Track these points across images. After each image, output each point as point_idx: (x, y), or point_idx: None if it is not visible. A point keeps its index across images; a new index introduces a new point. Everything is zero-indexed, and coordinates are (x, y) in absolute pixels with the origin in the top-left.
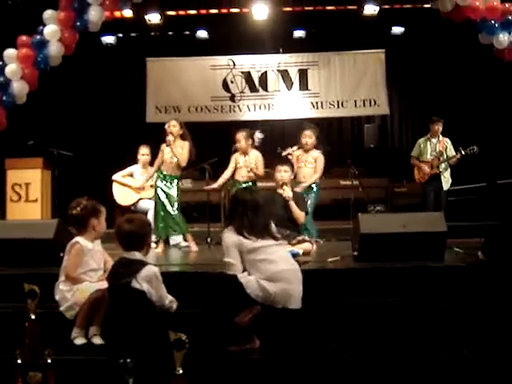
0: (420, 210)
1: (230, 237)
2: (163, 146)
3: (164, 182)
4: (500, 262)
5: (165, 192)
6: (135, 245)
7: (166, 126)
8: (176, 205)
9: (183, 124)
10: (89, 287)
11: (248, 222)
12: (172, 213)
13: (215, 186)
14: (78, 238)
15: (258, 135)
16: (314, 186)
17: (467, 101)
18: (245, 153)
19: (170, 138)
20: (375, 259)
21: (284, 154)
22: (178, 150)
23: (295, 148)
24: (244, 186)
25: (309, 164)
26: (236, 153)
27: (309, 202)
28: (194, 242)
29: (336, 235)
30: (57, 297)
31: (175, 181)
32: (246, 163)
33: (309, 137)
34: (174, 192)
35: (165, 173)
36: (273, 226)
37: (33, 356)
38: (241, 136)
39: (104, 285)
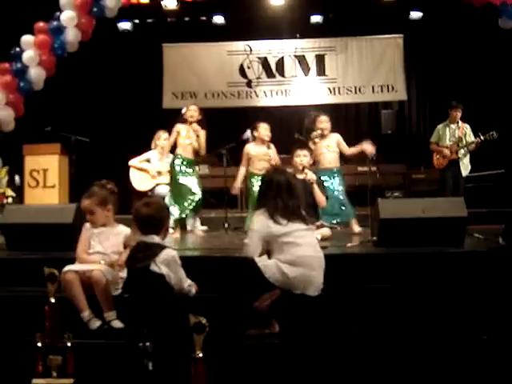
0: (438, 197)
1: (259, 221)
2: (179, 126)
3: (183, 166)
4: None
5: (184, 174)
6: (153, 228)
7: (185, 111)
8: (197, 184)
9: (202, 111)
10: (65, 268)
11: (282, 203)
12: (193, 190)
13: (236, 188)
14: (87, 223)
15: (248, 134)
16: (334, 169)
17: (486, 86)
18: (267, 144)
19: (195, 126)
20: (394, 244)
21: (313, 137)
22: (195, 136)
23: (319, 132)
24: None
25: (331, 148)
26: (247, 144)
27: (337, 186)
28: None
29: None
30: None
31: (192, 165)
32: (263, 155)
33: (326, 122)
34: (193, 174)
35: (184, 156)
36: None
37: (53, 339)
38: (268, 126)
39: (81, 267)
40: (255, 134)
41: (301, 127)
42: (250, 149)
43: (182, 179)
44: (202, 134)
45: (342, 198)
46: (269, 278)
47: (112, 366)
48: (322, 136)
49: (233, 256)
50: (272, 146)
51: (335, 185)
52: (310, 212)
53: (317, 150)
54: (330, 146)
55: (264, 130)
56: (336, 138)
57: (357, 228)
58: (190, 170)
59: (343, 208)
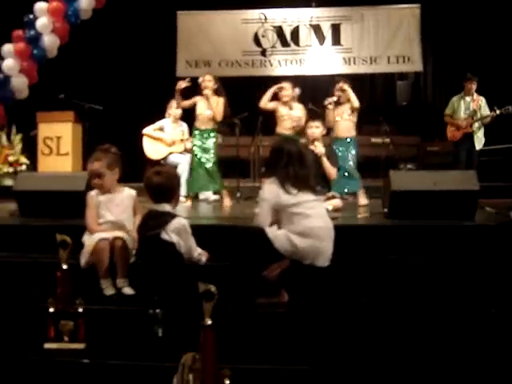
0: (451, 169)
1: (269, 189)
2: (197, 98)
3: (200, 138)
4: None
5: (202, 148)
6: (164, 197)
7: (201, 80)
8: (213, 158)
9: (218, 79)
10: (98, 235)
11: (293, 172)
12: (208, 166)
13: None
14: (91, 191)
15: (297, 91)
16: (348, 139)
17: (503, 59)
18: (289, 105)
19: (207, 91)
20: (405, 217)
21: (326, 103)
22: (212, 105)
23: (335, 98)
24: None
25: (345, 116)
26: (277, 101)
27: (349, 157)
28: (228, 198)
29: (367, 193)
30: (83, 243)
31: (212, 134)
32: (290, 116)
33: (342, 89)
34: (211, 145)
35: (202, 128)
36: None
37: (64, 305)
38: (288, 85)
39: (109, 235)
40: (284, 92)
41: (315, 97)
42: (280, 109)
43: (199, 153)
44: (220, 100)
45: (351, 169)
46: (278, 248)
47: (123, 332)
48: (337, 103)
49: (243, 226)
50: (299, 106)
51: (347, 155)
52: (321, 183)
53: (330, 117)
54: (345, 113)
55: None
56: (349, 105)
57: (363, 200)
58: (209, 142)
59: (351, 179)
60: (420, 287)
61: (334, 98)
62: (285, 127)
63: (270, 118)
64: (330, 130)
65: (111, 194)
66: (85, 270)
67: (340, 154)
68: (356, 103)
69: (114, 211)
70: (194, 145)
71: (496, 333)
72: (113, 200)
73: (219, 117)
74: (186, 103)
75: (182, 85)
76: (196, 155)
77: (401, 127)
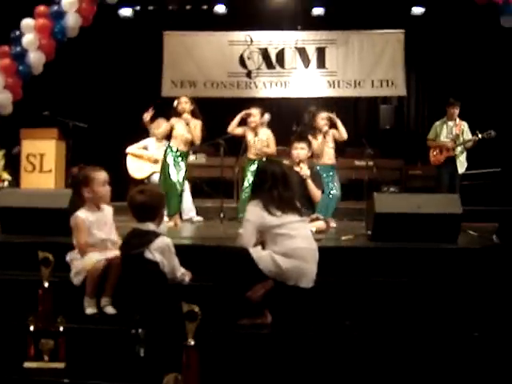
0: (434, 193)
1: (253, 211)
2: (173, 120)
3: (174, 157)
4: None
5: (175, 167)
6: (148, 215)
7: (177, 103)
8: (182, 180)
9: (194, 100)
10: (95, 256)
11: (278, 194)
12: (177, 187)
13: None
14: (78, 212)
15: (266, 117)
16: (333, 165)
17: (486, 84)
18: (256, 131)
19: (186, 115)
20: (389, 239)
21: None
22: (191, 127)
23: (326, 128)
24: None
25: (330, 144)
26: (246, 127)
27: (332, 183)
28: (179, 221)
29: (349, 215)
30: (68, 263)
31: (184, 156)
32: (257, 141)
33: (322, 119)
34: (182, 167)
35: (178, 148)
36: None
37: (45, 323)
38: (257, 112)
39: (111, 254)
40: (251, 119)
41: (299, 119)
42: (248, 135)
43: (171, 171)
44: (198, 123)
45: (331, 196)
46: (262, 268)
47: (104, 351)
48: (321, 132)
49: (227, 246)
50: (266, 131)
51: (331, 182)
52: (306, 205)
53: (316, 145)
54: (329, 142)
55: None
56: (331, 133)
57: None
58: (182, 163)
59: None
60: (404, 310)
61: (320, 128)
62: (252, 153)
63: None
64: (313, 155)
65: (99, 211)
66: (66, 288)
67: (325, 179)
68: (345, 135)
69: (105, 229)
70: (167, 163)
71: (478, 356)
72: (102, 218)
73: (198, 140)
74: (162, 131)
75: (147, 117)
76: (168, 173)
77: (384, 150)
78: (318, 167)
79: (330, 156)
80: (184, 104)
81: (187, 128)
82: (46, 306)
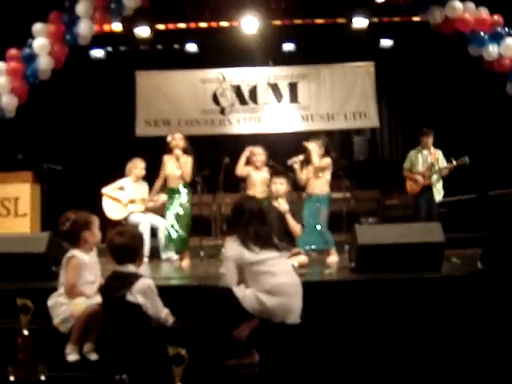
0: (412, 222)
1: (231, 248)
2: (165, 158)
3: (173, 197)
4: (499, 271)
5: (171, 206)
6: (128, 257)
7: (171, 139)
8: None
9: (187, 138)
10: (84, 301)
11: (254, 231)
12: (176, 227)
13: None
14: (74, 252)
15: (227, 160)
16: (320, 195)
17: (457, 112)
18: (259, 169)
19: (178, 151)
20: (373, 270)
21: (290, 162)
22: (182, 164)
23: (301, 157)
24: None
25: (318, 174)
26: (248, 166)
27: (319, 214)
28: (188, 257)
29: None
30: (51, 309)
31: (182, 191)
32: (263, 180)
33: (305, 149)
34: (185, 201)
35: (173, 186)
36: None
37: (26, 373)
38: (262, 150)
39: (97, 299)
40: (258, 157)
41: (275, 154)
42: (252, 174)
43: (173, 212)
44: (188, 160)
45: (320, 226)
46: (247, 307)
47: None
48: (309, 162)
49: (210, 285)
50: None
51: (317, 212)
52: (286, 239)
53: (300, 175)
54: (317, 173)
55: (253, 154)
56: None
57: (334, 258)
58: (186, 199)
59: (322, 236)
60: (391, 341)
61: (300, 157)
62: (257, 191)
63: (231, 175)
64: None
65: (91, 253)
66: (46, 335)
67: (310, 210)
68: (316, 162)
69: (94, 271)
70: (170, 205)
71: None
72: (93, 260)
73: (188, 178)
74: (162, 176)
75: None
76: (167, 212)
77: (360, 182)
78: (306, 200)
79: (316, 186)
80: (179, 140)
81: (177, 164)
82: (26, 355)
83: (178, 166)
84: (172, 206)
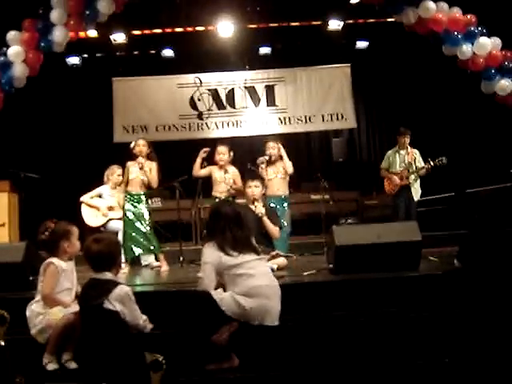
0: (391, 222)
1: (209, 253)
2: (129, 164)
3: (132, 202)
4: (475, 268)
5: (133, 212)
6: (105, 265)
7: (134, 145)
8: (147, 222)
9: (150, 143)
10: (61, 310)
11: (231, 235)
12: (143, 230)
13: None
14: (52, 259)
15: (205, 164)
16: (282, 196)
17: (434, 112)
18: (224, 168)
19: (141, 159)
20: (351, 271)
21: (258, 162)
22: (146, 170)
23: (267, 157)
24: None
25: (279, 174)
26: (211, 166)
27: (282, 215)
28: (165, 262)
29: (308, 249)
30: (28, 319)
31: (143, 198)
32: (224, 179)
33: (272, 148)
34: (143, 210)
35: (133, 192)
36: (253, 239)
37: None
38: (225, 149)
39: (76, 308)
40: (219, 157)
41: (253, 158)
42: (214, 172)
43: (131, 217)
44: (154, 166)
45: (285, 229)
46: (225, 310)
47: None
48: (270, 162)
49: (188, 290)
50: (233, 168)
51: (282, 213)
52: (265, 242)
53: (265, 175)
54: (279, 172)
55: (217, 153)
56: (282, 164)
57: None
58: (141, 206)
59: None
60: (371, 341)
61: (266, 157)
62: (219, 191)
63: (210, 180)
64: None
65: (69, 262)
66: (24, 345)
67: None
68: (290, 170)
69: (71, 279)
70: (127, 209)
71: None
72: (70, 268)
73: (155, 183)
74: (125, 179)
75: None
76: (129, 219)
77: (339, 183)
78: (269, 200)
79: (279, 186)
80: (142, 146)
81: (141, 171)
82: (3, 366)
83: (141, 172)
84: (134, 210)
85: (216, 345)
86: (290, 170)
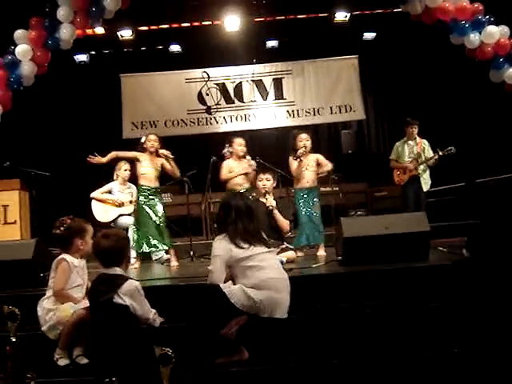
0: (401, 213)
1: (220, 246)
2: (137, 154)
3: (146, 194)
4: (484, 258)
5: (149, 205)
6: (114, 260)
7: (145, 140)
8: (161, 216)
9: (161, 139)
10: (71, 307)
11: (242, 227)
12: (157, 223)
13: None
14: (64, 255)
15: (214, 159)
16: (313, 188)
17: (442, 102)
18: (241, 160)
19: (163, 151)
20: (360, 262)
21: (299, 154)
22: (157, 164)
23: (303, 149)
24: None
25: (310, 168)
26: (228, 159)
27: (312, 207)
28: (175, 258)
29: None
30: (39, 316)
31: (157, 192)
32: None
33: (306, 139)
34: (158, 203)
35: (147, 185)
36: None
37: (15, 380)
38: (243, 141)
39: (87, 304)
40: (230, 149)
41: (263, 150)
42: (231, 165)
43: (146, 210)
44: (163, 161)
45: (315, 219)
46: (235, 303)
47: None
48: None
49: (198, 284)
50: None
51: (312, 206)
52: (275, 235)
53: (298, 168)
54: (310, 166)
55: (238, 145)
56: (315, 157)
57: (322, 252)
58: (156, 199)
59: (315, 231)
60: (381, 332)
61: (303, 149)
62: (238, 183)
63: (218, 174)
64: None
65: (81, 260)
66: (35, 341)
67: (304, 204)
68: (329, 166)
69: (83, 276)
70: (141, 201)
71: (461, 373)
72: (82, 266)
73: (178, 172)
74: (128, 155)
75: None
76: (144, 212)
77: (348, 175)
78: (298, 192)
79: (309, 179)
80: (154, 141)
81: (153, 164)
82: (14, 362)
83: (153, 166)
84: (149, 203)
85: (225, 338)
86: (330, 166)
